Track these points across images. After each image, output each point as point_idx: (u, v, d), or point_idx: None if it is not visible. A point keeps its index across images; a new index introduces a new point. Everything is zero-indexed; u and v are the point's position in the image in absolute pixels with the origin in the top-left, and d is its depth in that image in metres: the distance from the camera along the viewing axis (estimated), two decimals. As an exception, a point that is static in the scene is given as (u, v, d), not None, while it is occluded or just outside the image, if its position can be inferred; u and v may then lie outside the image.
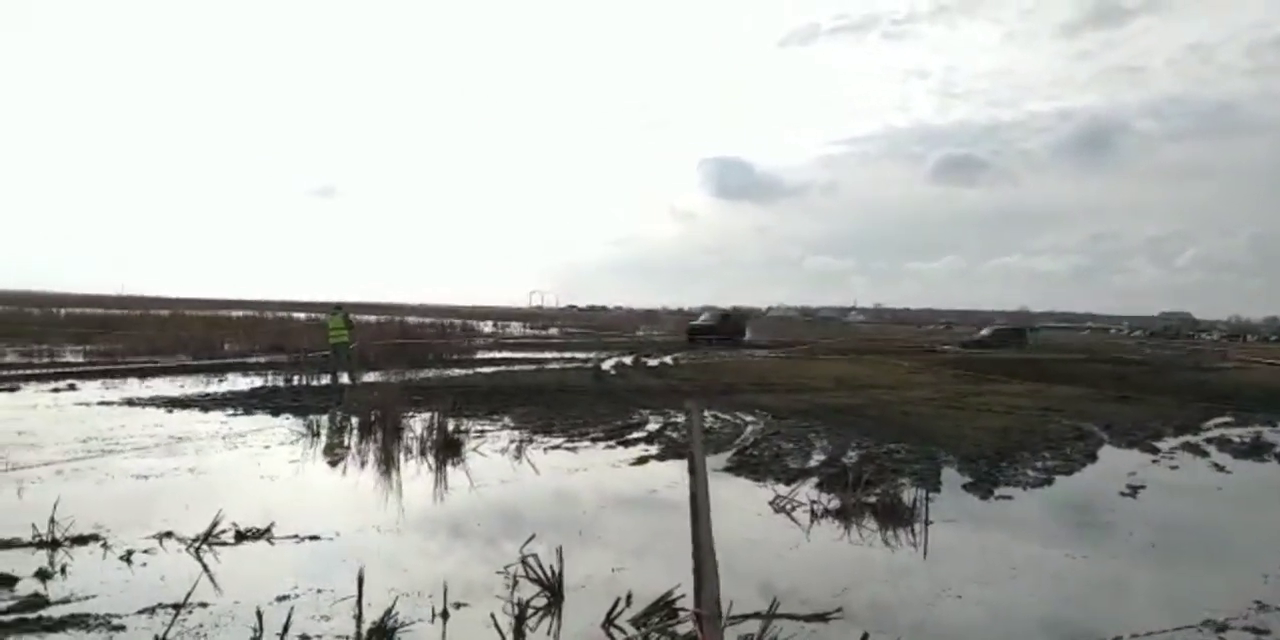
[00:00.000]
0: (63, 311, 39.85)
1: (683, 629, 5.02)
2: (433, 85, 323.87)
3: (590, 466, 10.16)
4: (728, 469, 10.15)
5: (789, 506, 8.27)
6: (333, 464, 10.37)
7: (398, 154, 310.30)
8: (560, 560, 5.62)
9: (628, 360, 28.75)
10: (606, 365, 26.04)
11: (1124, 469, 11.04)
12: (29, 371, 19.25)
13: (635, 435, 12.33)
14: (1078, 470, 10.88)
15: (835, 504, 8.33)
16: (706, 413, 14.87)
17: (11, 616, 4.84)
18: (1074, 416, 15.96)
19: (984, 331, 58.76)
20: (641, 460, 10.57)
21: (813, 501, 8.35)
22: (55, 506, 6.49)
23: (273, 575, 5.84)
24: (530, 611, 5.21)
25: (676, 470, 10.08)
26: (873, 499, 8.43)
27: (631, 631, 5.03)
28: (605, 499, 8.63)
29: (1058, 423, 14.97)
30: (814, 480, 9.47)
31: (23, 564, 5.81)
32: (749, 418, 14.40)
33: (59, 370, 19.76)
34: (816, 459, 10.89)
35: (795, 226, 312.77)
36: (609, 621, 5.12)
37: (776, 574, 6.25)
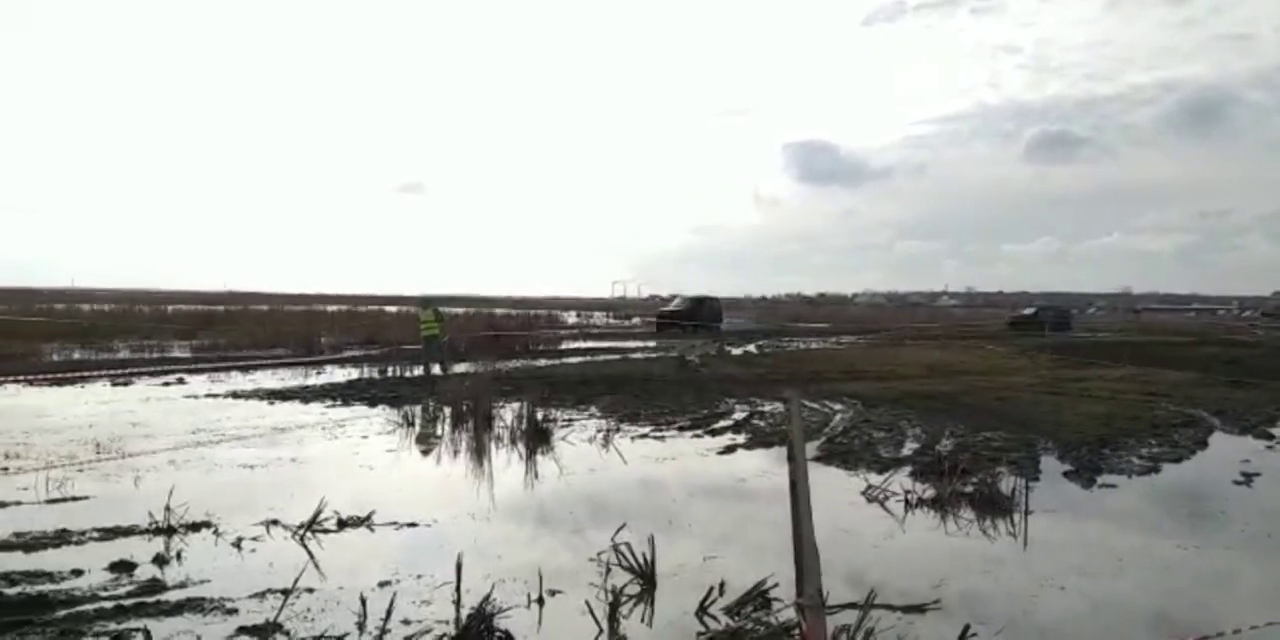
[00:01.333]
0: (170, 308, 41.72)
1: (777, 619, 4.99)
2: (515, 79, 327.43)
3: (678, 455, 10.17)
4: (817, 458, 10.03)
5: (882, 496, 8.13)
6: (427, 453, 10.62)
7: (482, 149, 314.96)
8: (652, 548, 5.64)
9: (711, 349, 28.66)
10: (690, 355, 26.00)
11: (1237, 456, 10.53)
12: (141, 368, 20.20)
13: (722, 424, 12.30)
14: (1187, 458, 10.43)
15: (930, 493, 8.16)
16: (780, 404, 14.73)
17: (132, 600, 5.09)
18: (1182, 402, 15.29)
19: (1026, 310, 57.07)
20: (729, 449, 10.54)
21: (906, 491, 8.19)
22: (170, 494, 6.80)
23: (374, 561, 6.02)
24: (624, 599, 5.24)
25: (764, 459, 10.02)
26: (969, 488, 8.22)
27: (725, 620, 5.02)
28: (694, 488, 8.63)
29: (1164, 408, 14.37)
30: (907, 469, 9.30)
31: (141, 550, 6.10)
32: (837, 406, 14.21)
33: (167, 367, 20.70)
34: (909, 447, 10.69)
35: (883, 210, 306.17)
36: (703, 610, 5.12)
37: (870, 564, 6.16)
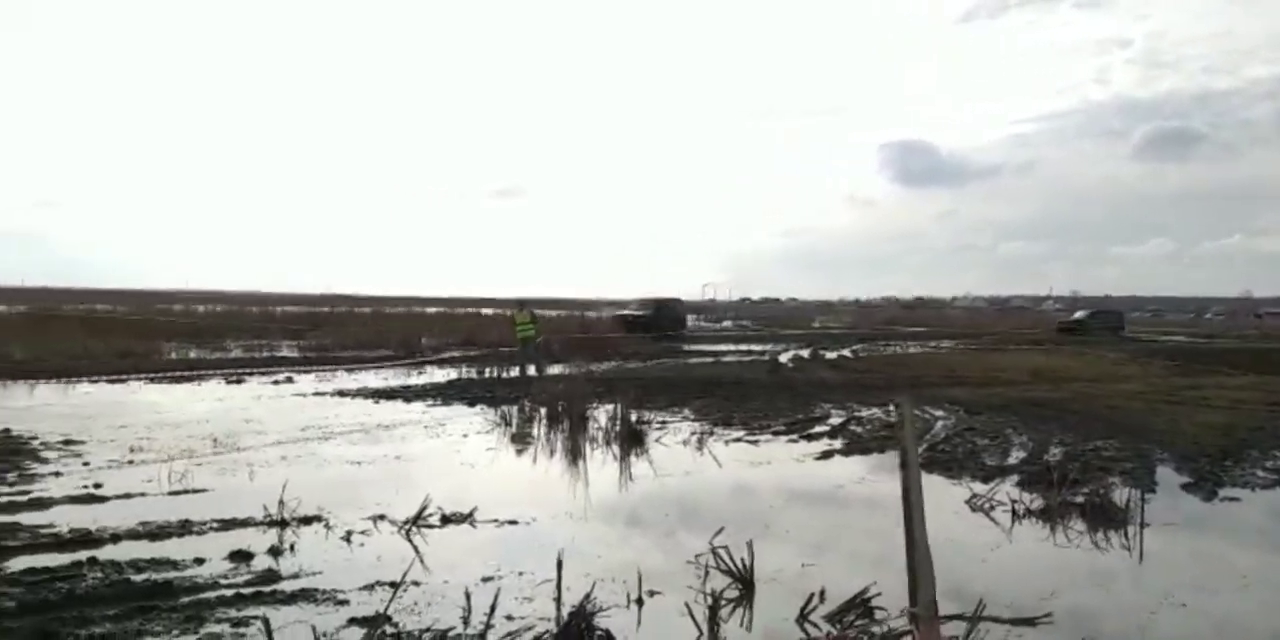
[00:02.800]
0: (279, 310, 43.42)
1: (879, 628, 4.89)
2: (609, 84, 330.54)
3: (773, 460, 10.08)
4: (900, 465, 9.80)
5: (987, 505, 7.90)
6: (524, 452, 10.79)
7: (577, 154, 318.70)
8: (751, 553, 5.61)
9: (804, 353, 28.35)
10: (783, 358, 25.78)
11: (1375, 472, 9.87)
12: (252, 367, 21.08)
13: (818, 429, 12.14)
14: (1318, 472, 9.82)
15: (1038, 504, 7.88)
16: (892, 406, 14.45)
17: (251, 589, 5.31)
18: (1310, 413, 14.41)
19: (1077, 314, 54.21)
20: (826, 455, 10.39)
21: (1013, 501, 7.93)
22: (283, 489, 7.07)
23: (476, 557, 6.14)
24: (723, 602, 5.22)
25: (863, 466, 9.86)
26: (1079, 499, 7.92)
27: (826, 628, 4.95)
28: (791, 493, 8.55)
29: (1291, 419, 13.56)
30: (1013, 478, 9.01)
31: (257, 541, 6.36)
32: (938, 412, 13.87)
33: (277, 366, 21.54)
34: (1015, 456, 10.36)
35: (985, 211, 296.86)
36: (803, 616, 5.06)
37: (977, 575, 5.98)
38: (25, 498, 7.37)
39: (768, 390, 16.67)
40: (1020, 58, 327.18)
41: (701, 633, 4.81)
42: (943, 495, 8.39)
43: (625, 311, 41.13)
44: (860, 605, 5.13)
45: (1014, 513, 7.69)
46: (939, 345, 35.34)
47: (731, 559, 5.62)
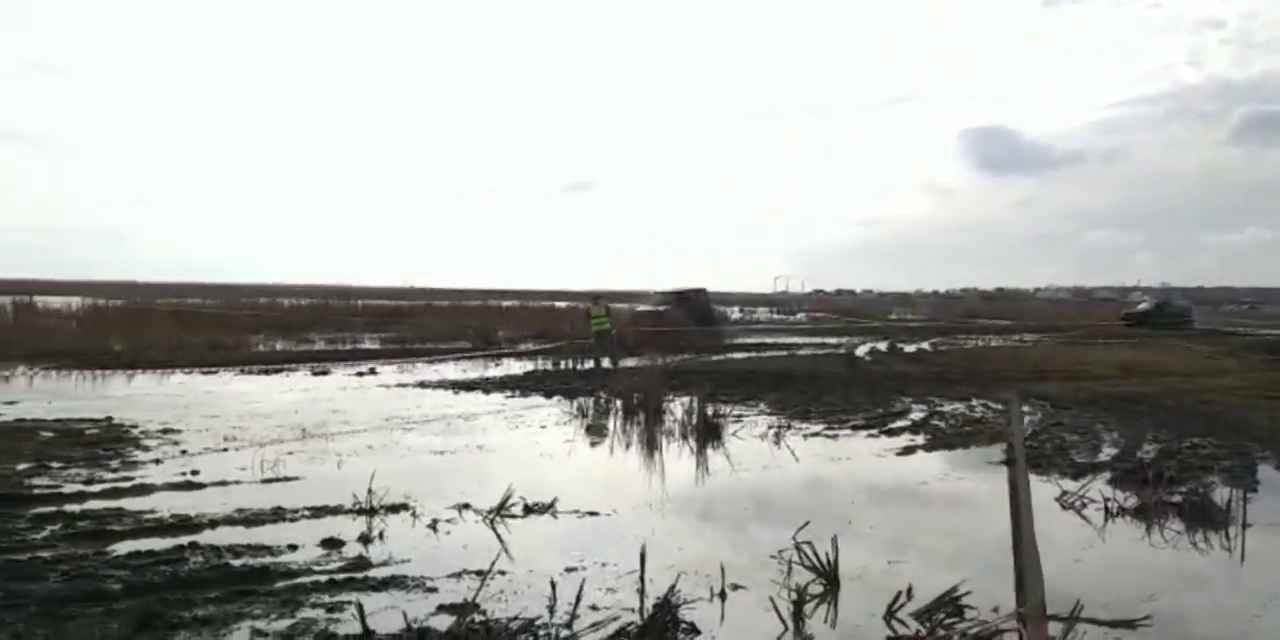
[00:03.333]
0: (360, 303, 44.48)
1: (970, 627, 4.79)
2: (675, 76, 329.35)
3: (853, 455, 9.95)
4: (1004, 462, 9.57)
5: (1078, 503, 7.67)
6: (602, 444, 10.86)
7: (647, 148, 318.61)
8: (835, 548, 5.54)
9: (882, 346, 27.90)
10: (860, 351, 25.42)
11: None
12: (337, 359, 21.65)
13: (898, 424, 11.94)
14: None
15: (1132, 502, 7.62)
16: (975, 401, 14.15)
17: (343, 575, 5.46)
18: None
19: (1141, 305, 51.00)
20: (908, 450, 10.21)
21: (1106, 499, 7.69)
22: (371, 478, 7.24)
23: (559, 548, 6.20)
24: (807, 598, 5.17)
25: (946, 462, 9.67)
26: (1176, 498, 7.64)
27: (915, 625, 4.87)
28: (872, 489, 8.43)
29: (1405, 417, 12.85)
30: (1105, 476, 8.74)
31: (347, 528, 6.53)
32: (1024, 407, 13.50)
33: (360, 358, 22.06)
34: (1106, 453, 10.04)
35: (1069, 199, 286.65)
36: (890, 614, 4.99)
37: (1069, 575, 5.81)
38: (129, 484, 7.70)
39: (845, 384, 16.46)
40: (1107, 40, 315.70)
41: (787, 628, 4.78)
42: (1032, 492, 8.17)
43: (643, 307, 33.56)
44: (949, 603, 5.03)
45: (1107, 511, 7.46)
46: (1022, 338, 34.42)
47: (815, 554, 5.56)
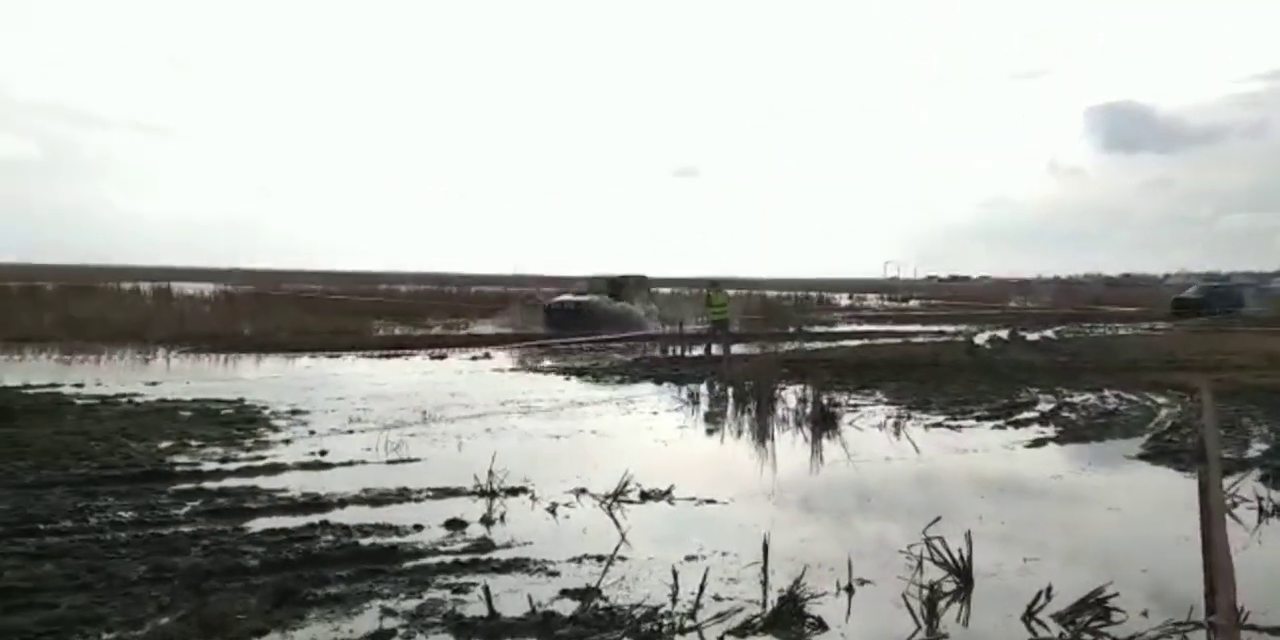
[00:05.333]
0: (473, 289, 45.48)
1: (1119, 632, 4.51)
2: (782, 57, 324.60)
3: (978, 447, 9.56)
4: (1142, 456, 9.06)
5: (1229, 502, 7.15)
6: (715, 432, 10.76)
7: (755, 131, 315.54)
8: (969, 544, 5.30)
9: (1002, 333, 26.86)
10: (980, 339, 24.54)
11: None
12: (453, 345, 22.15)
13: (1025, 415, 11.43)
14: None
15: (1290, 502, 7.08)
16: (1107, 392, 13.45)
17: (467, 556, 5.52)
18: None
19: (1190, 290, 45.56)
20: (1037, 443, 9.75)
21: (1259, 497, 7.16)
22: (491, 460, 7.33)
23: (677, 535, 6.14)
24: (940, 595, 4.96)
25: (1080, 455, 9.21)
26: (1342, 499, 7.05)
27: (1057, 628, 4.60)
28: (1002, 483, 8.06)
29: None
30: (1257, 473, 8.15)
31: (469, 510, 6.62)
32: (1160, 399, 12.76)
33: (473, 345, 22.52)
34: (1257, 448, 9.37)
35: (1206, 178, 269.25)
36: (1030, 615, 4.73)
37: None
38: (261, 463, 8.01)
39: (966, 373, 15.88)
40: (1247, 9, 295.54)
41: (920, 626, 4.59)
42: (1173, 488, 7.71)
43: (564, 298, 28.24)
44: (1095, 605, 4.75)
45: (1260, 510, 6.95)
46: (1153, 326, 32.65)
47: (947, 551, 5.33)
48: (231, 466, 7.82)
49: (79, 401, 11.12)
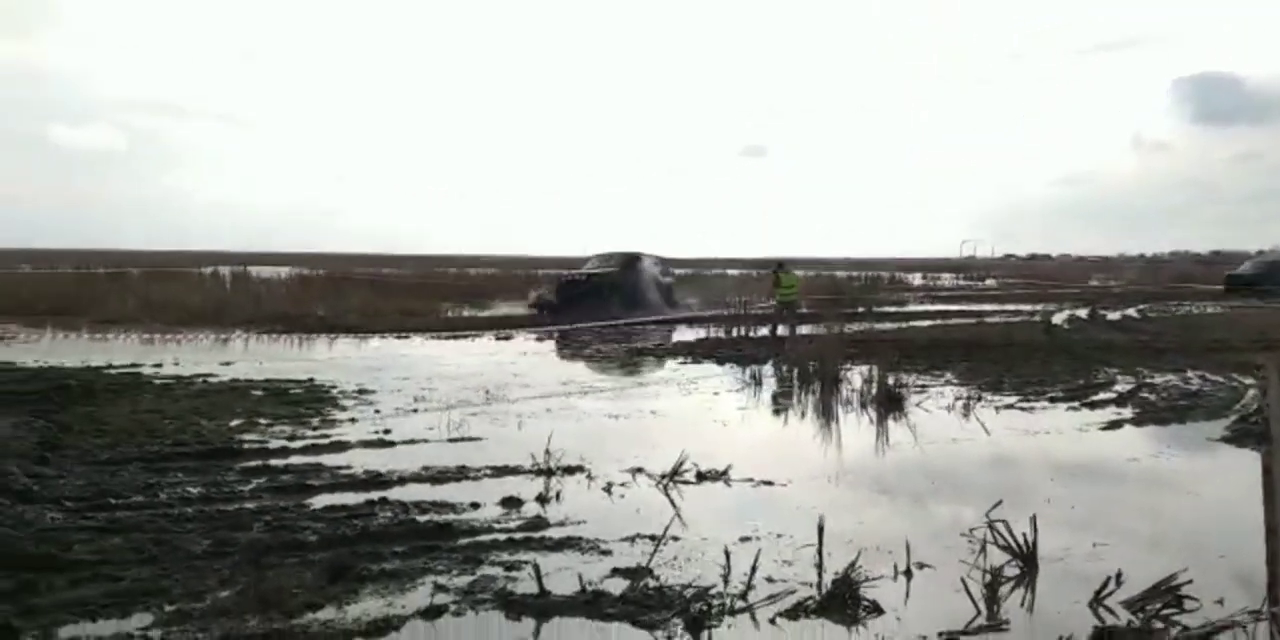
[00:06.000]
0: (540, 272, 45.80)
1: (1191, 620, 4.31)
2: (850, 33, 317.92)
3: (1051, 429, 9.25)
4: (1226, 439, 8.67)
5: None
6: (777, 413, 10.62)
7: (824, 109, 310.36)
8: (1034, 528, 5.12)
9: (1082, 313, 26.00)
10: (1057, 319, 23.78)
11: None
12: (519, 328, 22.31)
13: (1102, 396, 11.02)
14: None
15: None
16: (1190, 373, 12.91)
17: (521, 534, 5.54)
18: None
19: (1245, 266, 41.60)
20: (1113, 425, 9.39)
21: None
22: (549, 439, 7.34)
23: (732, 516, 6.07)
24: (1002, 580, 4.80)
25: (1158, 438, 8.85)
26: None
27: (1125, 615, 4.41)
28: (1073, 466, 7.78)
29: None
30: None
31: (526, 488, 6.64)
32: (1248, 380, 12.16)
33: (539, 326, 22.63)
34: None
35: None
36: (1097, 601, 4.55)
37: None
38: (327, 441, 8.16)
39: (1041, 353, 15.39)
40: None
41: (980, 612, 4.44)
42: (1257, 473, 7.32)
43: (573, 274, 26.85)
44: (1166, 593, 4.54)
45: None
46: (1244, 305, 31.24)
47: (1011, 534, 5.15)
48: (297, 444, 7.98)
49: (157, 381, 11.51)
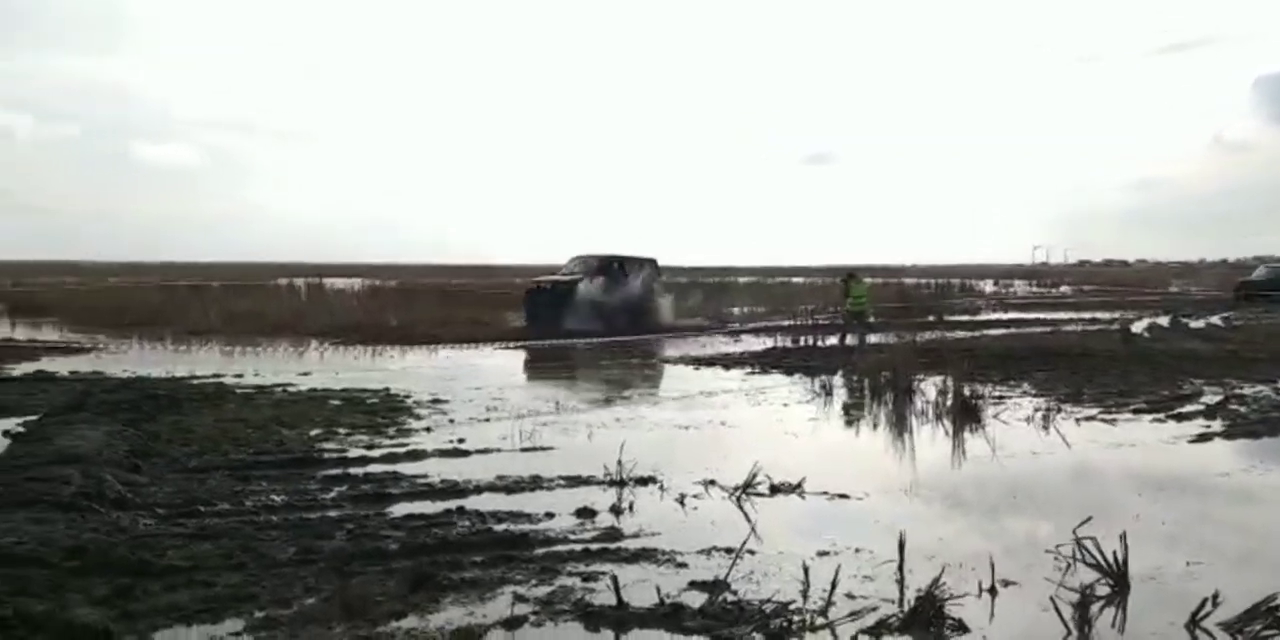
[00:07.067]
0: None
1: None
2: (917, 39, 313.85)
3: (1135, 442, 8.96)
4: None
5: None
6: (848, 424, 10.50)
7: (890, 115, 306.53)
8: (1124, 546, 4.95)
9: (1162, 321, 25.18)
10: (1137, 327, 23.06)
11: None
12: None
13: (1188, 408, 10.64)
14: None
15: None
16: None
17: (597, 545, 5.55)
18: None
19: (1259, 271, 38.57)
20: (1202, 438, 9.06)
21: None
22: (620, 450, 7.36)
23: (808, 530, 6.00)
24: (1092, 599, 4.65)
25: (1250, 451, 8.56)
26: None
27: (1224, 637, 4.25)
28: (1162, 480, 7.52)
29: None
30: None
31: (599, 499, 6.66)
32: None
33: (601, 336, 22.71)
34: None
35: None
36: (1194, 622, 4.38)
37: None
38: (403, 450, 8.29)
39: (1121, 363, 14.93)
40: None
41: (1070, 632, 4.32)
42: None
43: (544, 279, 24.78)
44: (1267, 614, 4.35)
45: None
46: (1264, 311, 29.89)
47: (1100, 552, 5.00)
48: (375, 453, 8.13)
49: (239, 391, 11.84)
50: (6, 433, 8.75)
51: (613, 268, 23.21)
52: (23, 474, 6.54)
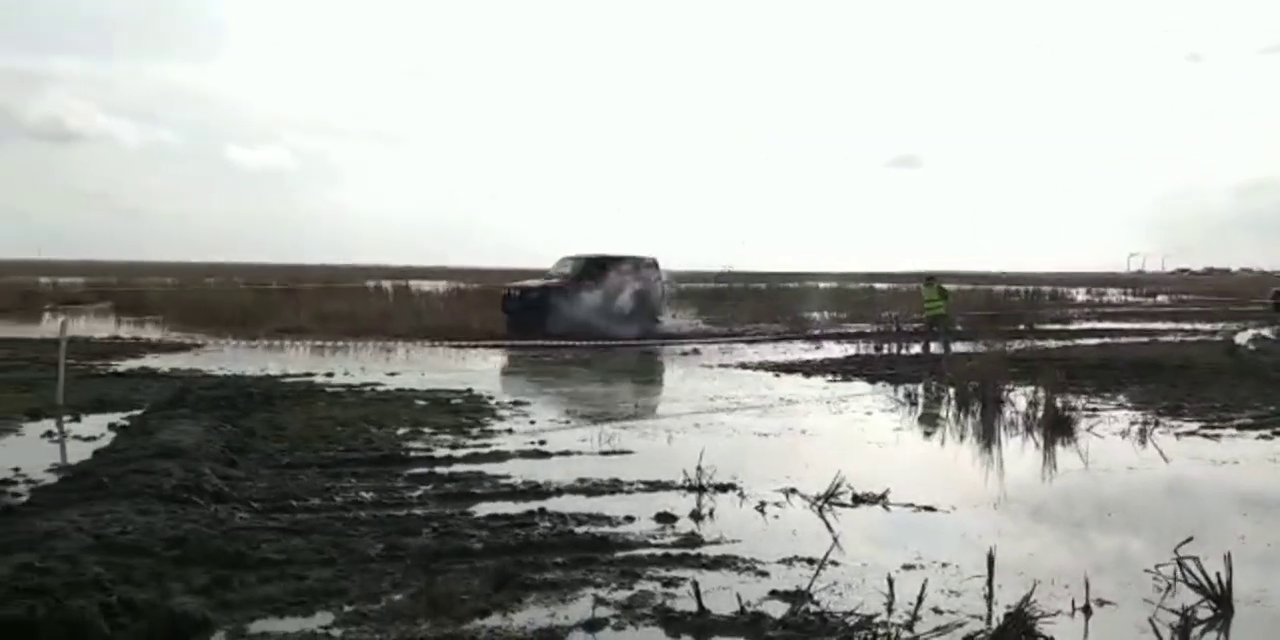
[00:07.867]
0: (682, 285, 46.02)
1: None
2: (1007, 39, 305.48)
3: (1239, 459, 8.56)
4: None
5: None
6: (933, 434, 10.29)
7: (981, 117, 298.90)
8: (1228, 567, 4.73)
9: (1269, 332, 24.00)
10: (1241, 338, 22.04)
11: None
12: (663, 341, 22.44)
13: (1298, 424, 10.12)
14: None
15: None
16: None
17: (677, 551, 5.55)
18: None
19: None
20: (1314, 456, 8.62)
21: None
22: (700, 456, 7.34)
23: (893, 542, 5.89)
24: (1193, 622, 4.46)
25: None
26: None
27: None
28: (1269, 500, 7.17)
29: None
30: None
31: (678, 504, 6.65)
32: None
33: (681, 340, 22.71)
34: None
35: None
36: (1306, 651, 4.16)
37: None
38: (487, 450, 8.42)
39: (1225, 376, 14.28)
40: None
41: (1170, 656, 4.15)
42: None
43: (525, 284, 23.66)
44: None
45: None
46: None
47: (1203, 572, 4.79)
48: (460, 453, 8.27)
49: (329, 390, 12.18)
50: (113, 426, 9.19)
51: (599, 269, 21.77)
52: (128, 466, 6.83)
